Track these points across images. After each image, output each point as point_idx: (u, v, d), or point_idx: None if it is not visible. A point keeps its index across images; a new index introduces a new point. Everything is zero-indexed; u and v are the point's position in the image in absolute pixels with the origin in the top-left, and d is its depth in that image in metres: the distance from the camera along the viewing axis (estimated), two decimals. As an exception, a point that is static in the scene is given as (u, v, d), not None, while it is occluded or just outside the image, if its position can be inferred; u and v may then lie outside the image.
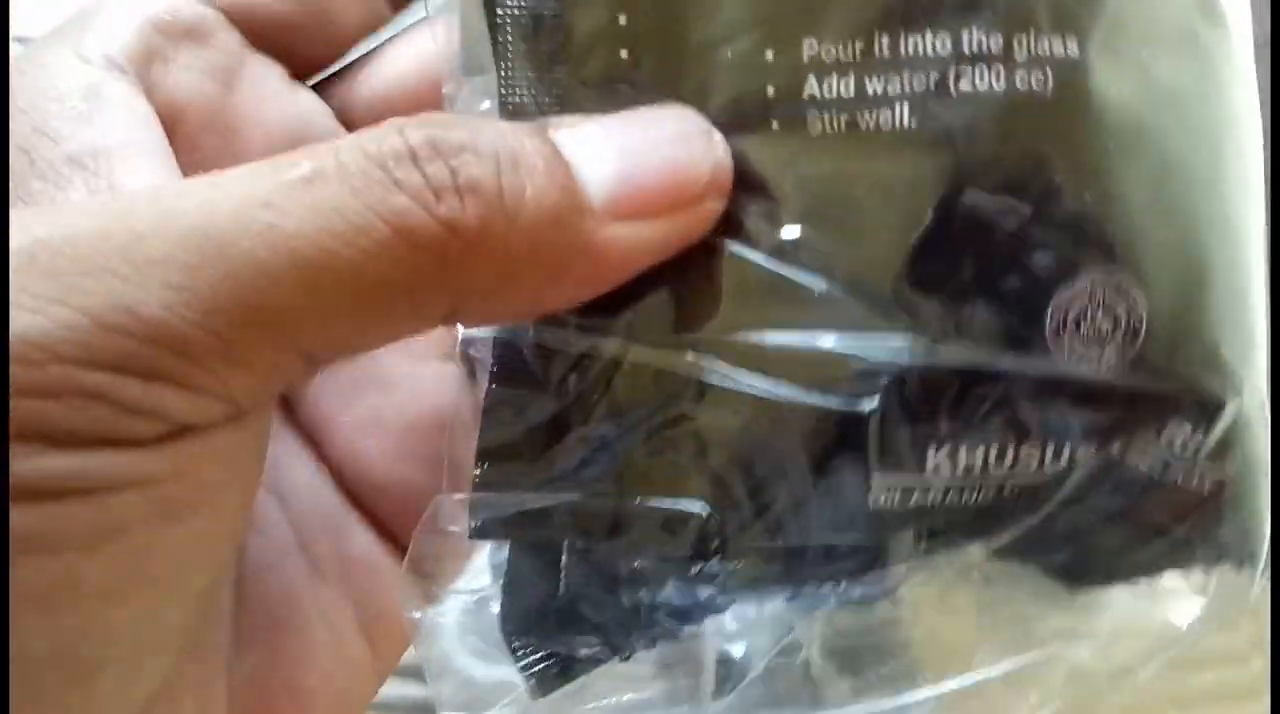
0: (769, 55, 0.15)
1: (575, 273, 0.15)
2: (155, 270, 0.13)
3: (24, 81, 0.17)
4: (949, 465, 0.16)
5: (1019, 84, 0.15)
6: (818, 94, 0.15)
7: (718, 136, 0.16)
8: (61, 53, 0.17)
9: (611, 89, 0.16)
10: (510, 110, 0.16)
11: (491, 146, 0.15)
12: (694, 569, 0.17)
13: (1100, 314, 0.15)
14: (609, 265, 0.15)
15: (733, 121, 0.16)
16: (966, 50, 0.15)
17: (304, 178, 0.14)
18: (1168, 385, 0.16)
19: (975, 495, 0.16)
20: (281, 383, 0.15)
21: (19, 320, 0.13)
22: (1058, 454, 0.16)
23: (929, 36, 0.15)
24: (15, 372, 0.12)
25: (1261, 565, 0.17)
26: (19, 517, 0.12)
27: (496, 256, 0.15)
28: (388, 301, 0.14)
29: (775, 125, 0.16)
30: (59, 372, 0.13)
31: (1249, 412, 0.16)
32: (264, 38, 0.19)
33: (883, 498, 0.16)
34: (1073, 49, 0.15)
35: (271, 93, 0.19)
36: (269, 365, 0.14)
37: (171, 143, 0.17)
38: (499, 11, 0.16)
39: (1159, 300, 0.16)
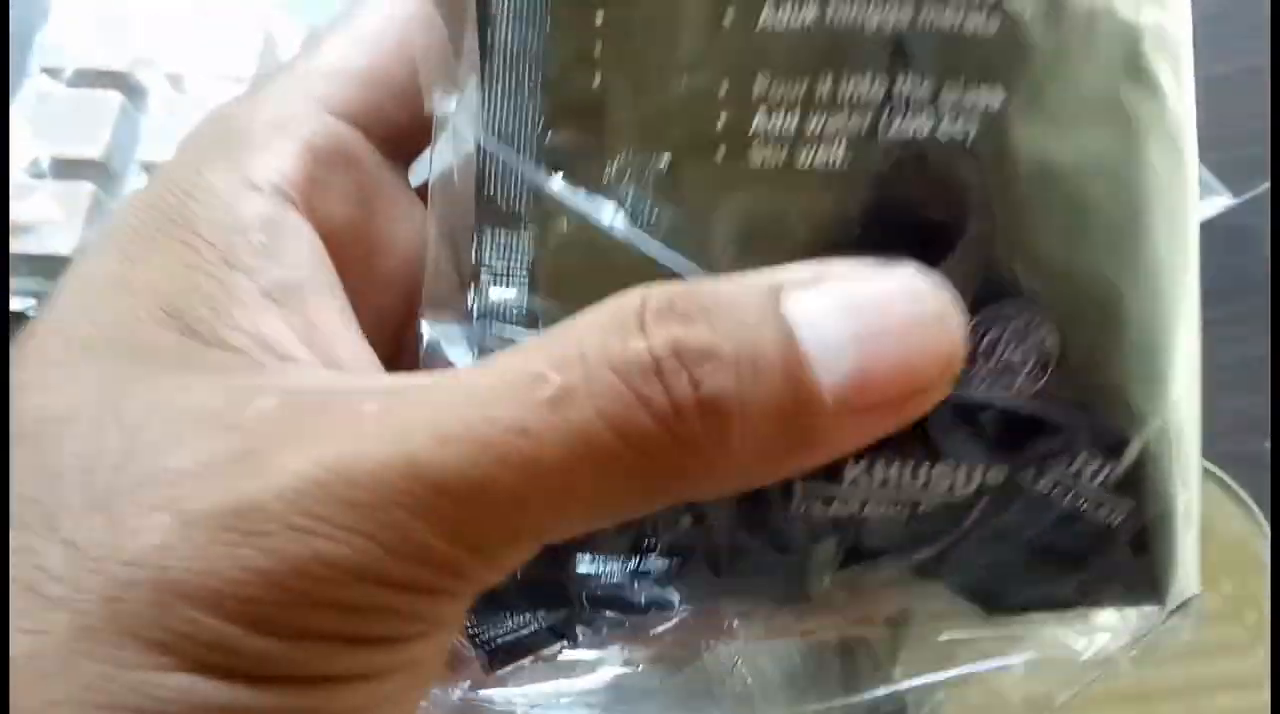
0: (723, 88, 0.16)
1: (792, 461, 0.15)
2: (431, 500, 0.14)
3: (201, 210, 0.17)
4: (866, 478, 0.17)
5: (943, 130, 0.16)
6: (764, 129, 0.16)
7: (955, 319, 0.15)
8: (231, 179, 0.17)
9: (583, 113, 0.17)
10: (494, 136, 0.17)
11: (733, 347, 0.14)
12: (632, 564, 0.18)
13: (1012, 346, 0.16)
14: (828, 453, 0.15)
15: (681, 147, 0.17)
16: (899, 95, 0.16)
17: (554, 399, 0.14)
18: (1074, 419, 0.16)
19: (893, 511, 0.17)
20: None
21: (325, 549, 0.14)
22: (969, 477, 0.16)
23: (867, 80, 0.16)
24: (325, 589, 0.14)
25: (1171, 606, 0.18)
26: (309, 698, 0.14)
27: (724, 457, 0.15)
28: (620, 506, 0.15)
29: (719, 156, 0.16)
30: (360, 591, 0.14)
31: (1156, 450, 0.17)
32: (387, 144, 0.19)
33: (804, 506, 0.17)
34: (996, 101, 0.16)
35: (403, 211, 0.20)
36: (511, 568, 0.15)
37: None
38: (489, 36, 0.17)
39: (1069, 338, 0.16)
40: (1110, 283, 0.17)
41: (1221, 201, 0.45)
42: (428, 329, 0.18)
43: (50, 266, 0.43)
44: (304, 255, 0.17)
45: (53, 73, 0.45)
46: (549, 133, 0.17)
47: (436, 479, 0.14)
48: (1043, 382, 0.16)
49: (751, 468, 0.15)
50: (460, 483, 0.14)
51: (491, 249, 0.17)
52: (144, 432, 0.14)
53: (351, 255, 0.18)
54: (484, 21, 0.17)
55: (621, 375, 0.14)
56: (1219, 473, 0.40)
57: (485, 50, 0.17)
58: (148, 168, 0.45)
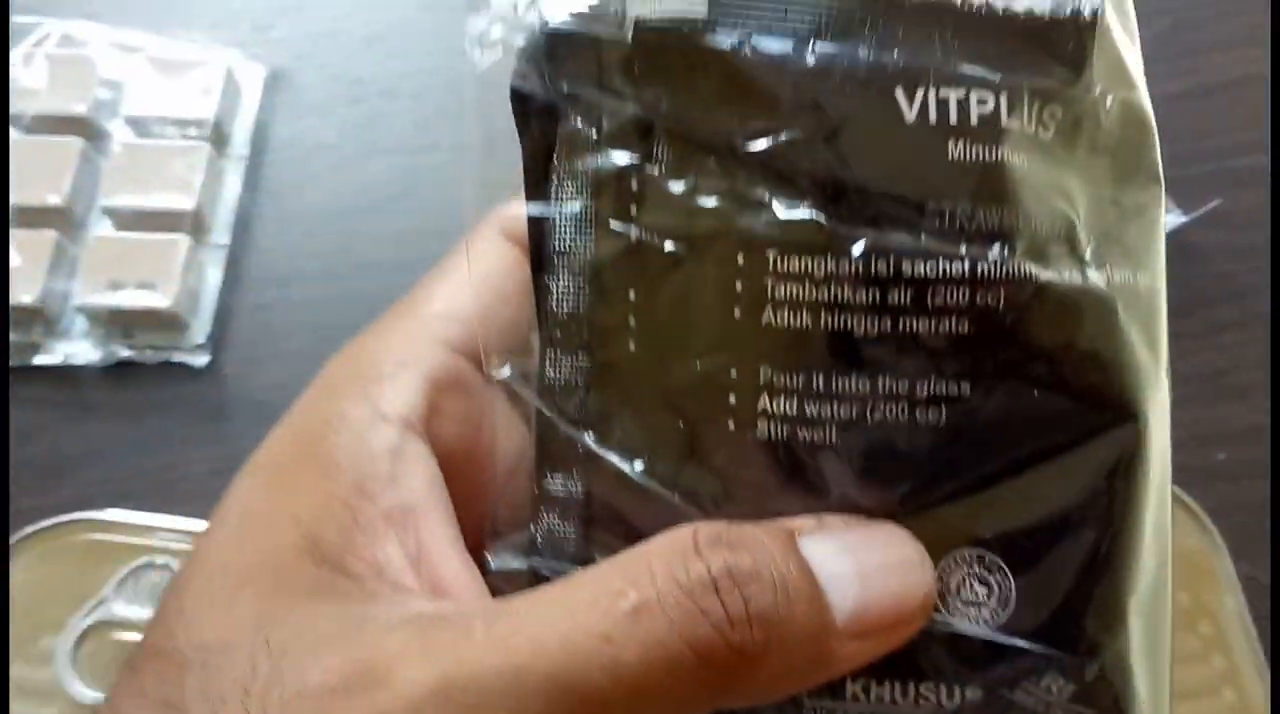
0: (733, 373, 0.19)
1: (811, 676, 0.18)
2: (532, 703, 0.16)
3: (339, 439, 0.20)
4: (864, 695, 0.19)
5: (919, 418, 0.19)
6: (768, 408, 0.19)
7: (928, 561, 0.19)
8: (364, 411, 0.20)
9: (612, 381, 0.20)
10: (546, 395, 0.20)
11: (769, 572, 0.17)
12: None
13: (975, 584, 0.19)
14: (837, 670, 0.18)
15: (697, 418, 0.19)
16: (881, 392, 0.19)
17: (633, 610, 0.17)
18: (1036, 647, 0.19)
19: None
20: None
21: None
22: (950, 693, 0.19)
23: (852, 380, 0.19)
24: None
25: None
26: None
27: (766, 671, 0.17)
28: (680, 708, 0.17)
29: (731, 425, 0.19)
30: None
31: (1109, 670, 0.19)
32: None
33: (811, 712, 0.19)
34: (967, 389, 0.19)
35: (503, 426, 0.22)
36: None
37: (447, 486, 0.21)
38: (545, 304, 0.20)
39: (1023, 579, 0.19)
40: (1059, 536, 0.19)
41: (1173, 219, 0.47)
42: (493, 560, 0.21)
43: (12, 316, 0.43)
44: (423, 480, 0.20)
45: (12, 119, 0.46)
46: (584, 395, 0.20)
47: (536, 684, 0.16)
48: (1006, 615, 0.19)
49: (781, 680, 0.18)
50: (555, 686, 0.16)
51: (547, 496, 0.20)
52: (288, 656, 0.17)
53: (464, 471, 0.21)
54: (540, 291, 0.20)
55: (686, 592, 0.17)
56: (1173, 487, 0.41)
57: (542, 318, 0.20)
58: (110, 213, 0.45)
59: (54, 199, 0.44)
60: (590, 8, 0.19)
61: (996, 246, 0.18)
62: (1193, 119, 0.49)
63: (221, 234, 0.46)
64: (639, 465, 0.19)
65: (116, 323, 0.43)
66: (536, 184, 0.20)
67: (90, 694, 0.37)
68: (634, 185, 0.19)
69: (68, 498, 0.41)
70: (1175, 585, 0.39)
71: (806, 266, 0.18)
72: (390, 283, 0.25)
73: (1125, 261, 0.19)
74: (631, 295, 0.19)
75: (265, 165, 0.48)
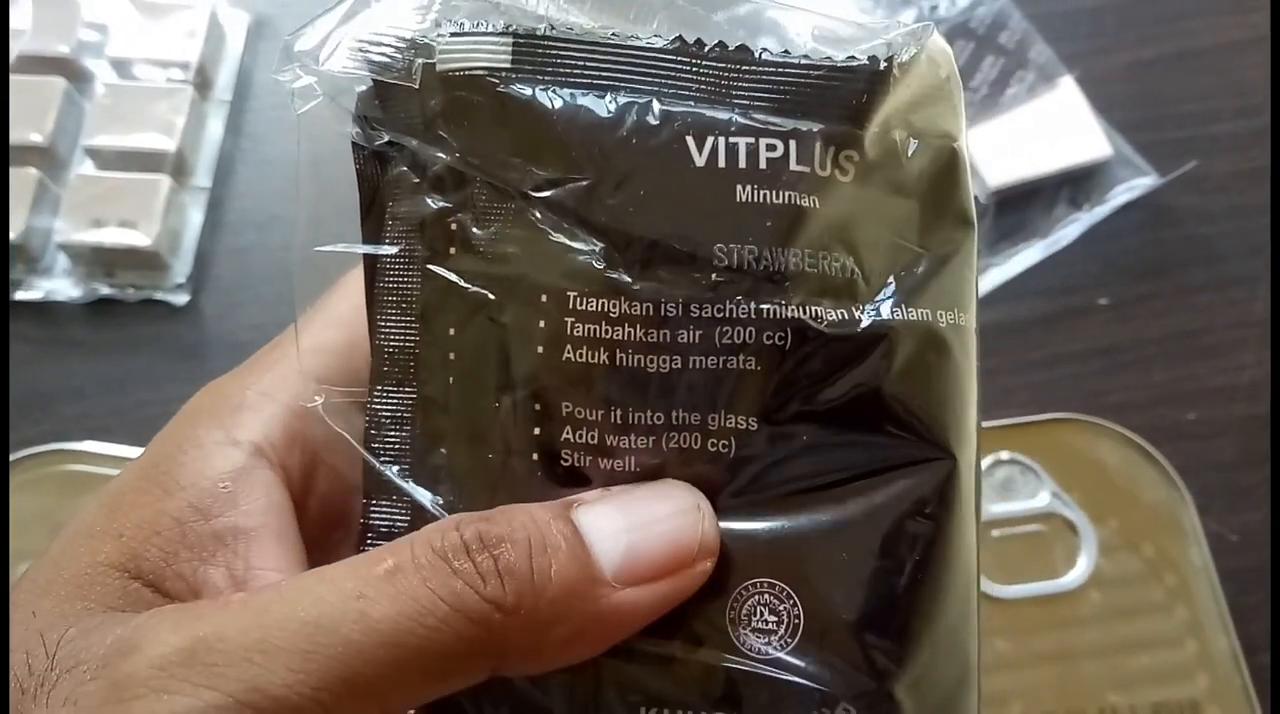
0: (536, 406, 0.20)
1: (592, 631, 0.19)
2: (280, 657, 0.17)
3: (186, 460, 0.20)
4: None
5: (711, 449, 0.20)
6: (570, 439, 0.20)
7: (706, 508, 0.19)
8: (216, 436, 0.20)
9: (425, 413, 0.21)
10: (372, 430, 0.21)
11: (525, 535, 0.18)
12: None
13: (766, 613, 0.19)
14: (619, 623, 0.19)
15: (502, 450, 0.20)
16: (675, 424, 0.19)
17: (388, 571, 0.18)
18: (824, 674, 0.19)
19: None
20: None
21: (180, 702, 0.16)
22: None
23: (649, 413, 0.19)
24: None
25: None
26: None
27: (529, 624, 0.18)
28: (448, 665, 0.18)
29: (535, 457, 0.20)
30: None
31: (901, 697, 0.19)
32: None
33: None
34: (752, 424, 0.20)
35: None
36: None
37: (303, 514, 0.21)
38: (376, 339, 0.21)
39: (812, 609, 0.19)
40: (841, 563, 0.20)
41: (1147, 182, 0.47)
42: None
43: (-5, 251, 0.43)
44: (263, 504, 0.20)
45: (-4, 59, 0.46)
46: (408, 428, 0.21)
47: (286, 640, 0.17)
48: (794, 642, 0.19)
49: (557, 636, 0.18)
50: (306, 640, 0.17)
51: (371, 526, 0.21)
52: (61, 648, 0.17)
53: (332, 503, 0.22)
54: (372, 327, 0.21)
55: (440, 555, 0.18)
56: (1142, 442, 0.41)
57: (373, 353, 0.21)
58: (92, 153, 0.45)
59: (36, 138, 0.44)
60: (379, 57, 0.20)
61: (785, 286, 0.19)
62: (1168, 84, 0.49)
63: (203, 177, 0.46)
64: (439, 499, 0.20)
65: (98, 261, 0.44)
66: (370, 225, 0.21)
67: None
68: (451, 229, 0.20)
69: (47, 432, 0.41)
70: (1142, 538, 0.40)
71: (602, 307, 0.19)
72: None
73: (933, 303, 0.20)
74: (450, 332, 0.20)
75: (248, 110, 0.48)
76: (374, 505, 0.20)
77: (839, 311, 0.19)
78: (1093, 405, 0.43)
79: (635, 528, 0.19)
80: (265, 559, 0.20)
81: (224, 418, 0.21)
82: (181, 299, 0.44)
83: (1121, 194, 0.47)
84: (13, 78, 0.45)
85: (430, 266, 0.20)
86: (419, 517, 0.20)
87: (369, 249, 0.21)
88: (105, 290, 0.44)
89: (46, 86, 0.45)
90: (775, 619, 0.19)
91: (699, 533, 0.19)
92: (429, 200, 0.20)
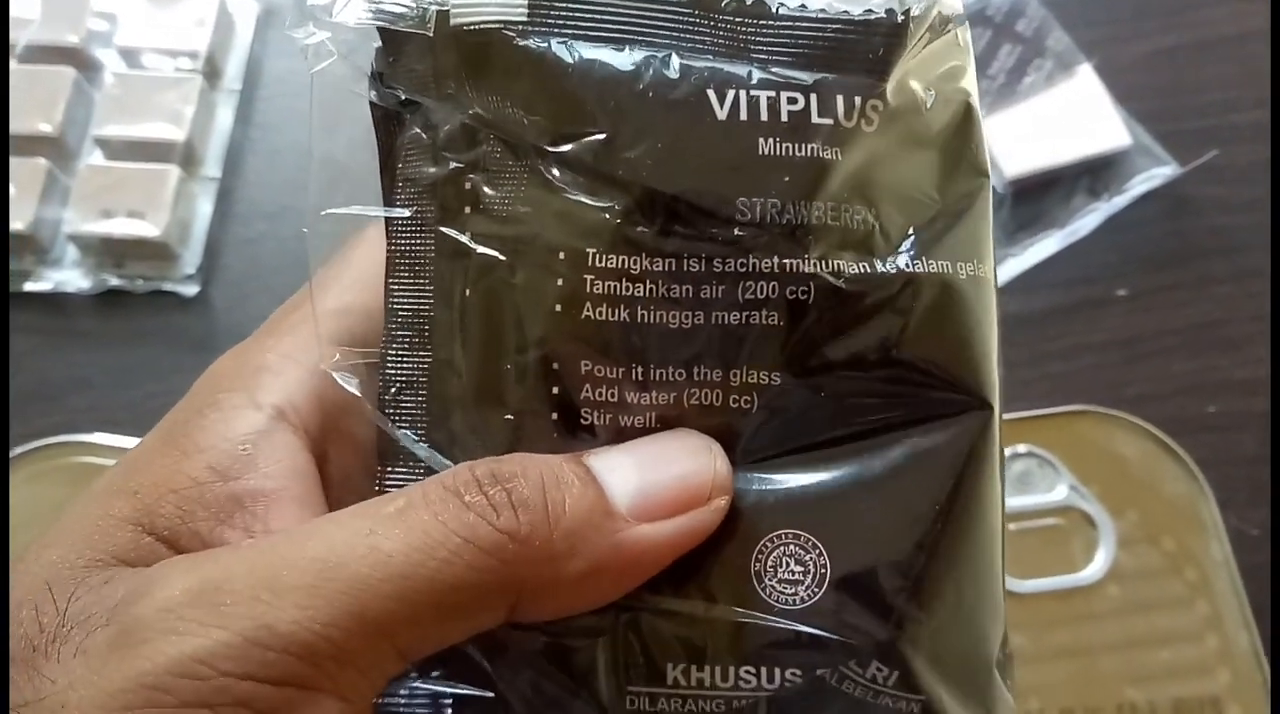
0: (555, 366, 0.19)
1: (610, 567, 0.18)
2: (289, 595, 0.16)
3: (205, 423, 0.20)
4: (684, 679, 0.19)
5: (733, 404, 0.19)
6: (590, 397, 0.19)
7: (717, 449, 0.19)
8: (238, 399, 0.20)
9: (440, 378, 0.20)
10: (386, 394, 0.21)
11: (537, 471, 0.18)
12: None
13: (792, 564, 0.19)
14: (637, 558, 0.18)
15: (521, 409, 0.20)
16: (697, 379, 0.19)
17: (399, 509, 0.17)
18: (849, 625, 0.19)
19: (709, 706, 0.19)
20: (382, 681, 0.18)
21: (189, 643, 0.16)
22: (770, 676, 0.19)
23: (670, 369, 0.19)
24: (188, 685, 0.16)
25: None
26: None
27: (544, 555, 0.18)
28: (462, 601, 0.17)
29: (555, 415, 0.20)
30: (220, 683, 0.16)
31: (926, 657, 0.19)
32: None
33: (632, 700, 0.20)
34: (776, 378, 0.20)
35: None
36: (372, 664, 0.17)
37: (324, 479, 0.20)
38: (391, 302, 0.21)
39: (840, 561, 0.19)
40: (865, 519, 0.19)
41: (1167, 171, 0.46)
42: None
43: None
44: (284, 466, 0.20)
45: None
46: (423, 392, 0.20)
47: (295, 578, 0.16)
48: (820, 594, 0.19)
49: (570, 565, 0.18)
50: (316, 577, 0.16)
51: (385, 491, 0.20)
52: (74, 601, 0.17)
53: (351, 461, 0.21)
54: (387, 290, 0.20)
55: (451, 490, 0.18)
56: (1161, 435, 0.41)
57: (388, 316, 0.20)
58: (102, 143, 0.45)
59: (46, 128, 0.44)
60: (393, 7, 0.19)
61: (807, 240, 0.19)
62: (1189, 73, 0.49)
63: (212, 167, 0.46)
64: (453, 463, 0.20)
65: (107, 252, 0.43)
66: (386, 186, 0.20)
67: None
68: (464, 189, 0.20)
69: (56, 424, 0.41)
70: (1161, 531, 0.39)
71: (622, 263, 0.19)
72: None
73: (952, 254, 0.19)
74: (465, 294, 0.20)
75: (257, 99, 0.48)
76: (389, 470, 0.20)
77: (861, 264, 0.19)
78: (1112, 397, 0.42)
79: (646, 465, 0.19)
80: (285, 521, 0.19)
81: (246, 380, 0.20)
82: (191, 290, 0.44)
83: (1141, 184, 0.46)
84: (22, 68, 0.45)
85: (442, 228, 0.20)
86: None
87: (382, 211, 0.20)
88: (114, 281, 0.44)
89: (56, 76, 0.45)
90: (801, 569, 0.19)
91: (712, 470, 0.19)
92: (441, 160, 0.20)
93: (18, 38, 0.46)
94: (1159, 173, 0.46)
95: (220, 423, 0.20)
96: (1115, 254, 0.45)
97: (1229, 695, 0.38)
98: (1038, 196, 0.46)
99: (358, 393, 0.20)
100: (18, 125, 0.44)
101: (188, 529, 0.19)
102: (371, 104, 0.20)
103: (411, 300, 0.20)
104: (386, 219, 0.20)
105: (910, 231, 0.19)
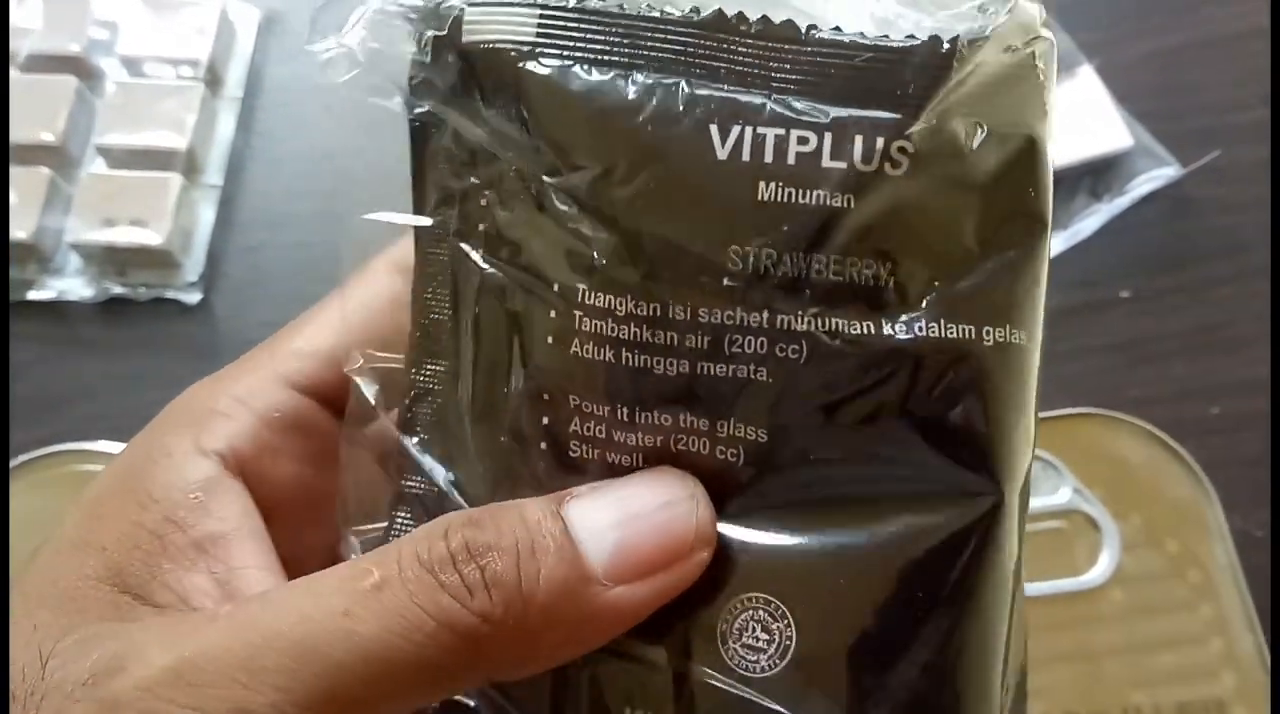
0: (545, 396, 0.19)
1: (585, 633, 0.18)
2: (266, 677, 0.17)
3: (157, 472, 0.20)
4: None
5: (719, 455, 0.19)
6: (579, 431, 0.19)
7: (701, 495, 0.18)
8: (184, 445, 0.21)
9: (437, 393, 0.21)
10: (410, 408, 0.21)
11: (512, 539, 0.18)
12: None
13: (758, 630, 0.18)
14: (612, 622, 0.18)
15: (514, 435, 0.20)
16: (683, 427, 0.18)
17: (374, 586, 0.17)
18: (804, 707, 0.18)
19: None
20: None
21: None
22: None
23: (656, 414, 0.19)
24: None
25: None
26: None
27: (518, 634, 0.18)
28: (436, 679, 0.18)
29: (543, 444, 0.19)
30: None
31: None
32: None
33: None
34: (762, 436, 0.19)
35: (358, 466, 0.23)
36: None
37: (273, 518, 0.21)
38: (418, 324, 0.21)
39: (805, 635, 0.18)
40: (844, 598, 0.18)
41: (1169, 172, 0.46)
42: (355, 541, 0.21)
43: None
44: (234, 510, 0.20)
45: (8, 58, 0.46)
46: (437, 401, 0.21)
47: (273, 660, 0.17)
48: (783, 664, 0.18)
49: (545, 638, 0.18)
50: (292, 660, 0.17)
51: (405, 494, 0.21)
52: (55, 659, 0.18)
53: (298, 506, 0.22)
54: (413, 299, 0.21)
55: (427, 567, 0.17)
56: (1165, 437, 0.41)
57: (412, 324, 0.21)
58: (104, 151, 0.45)
59: (48, 137, 0.44)
60: (408, 21, 0.19)
61: (804, 295, 0.17)
62: (1190, 72, 0.49)
63: (214, 174, 0.46)
64: (451, 476, 0.20)
65: (110, 260, 0.44)
66: (417, 196, 0.20)
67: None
68: (481, 206, 0.19)
69: (60, 432, 0.41)
70: (1165, 534, 0.39)
71: (609, 303, 0.18)
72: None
73: (978, 318, 0.18)
74: (475, 311, 0.20)
75: (259, 107, 0.48)
76: (405, 478, 0.20)
77: (863, 326, 0.18)
78: (1114, 400, 0.42)
79: (625, 522, 0.18)
80: (245, 558, 0.20)
81: (194, 425, 0.21)
82: (193, 298, 0.44)
83: (1143, 185, 0.46)
84: (24, 77, 0.45)
85: (460, 243, 0.20)
86: (435, 494, 0.20)
87: (410, 219, 0.20)
88: (117, 289, 0.44)
89: (57, 85, 0.45)
90: (766, 637, 0.18)
91: (693, 523, 0.18)
92: (462, 175, 0.19)
93: (19, 47, 0.46)
94: (1161, 173, 0.46)
95: (170, 471, 0.20)
96: (1117, 255, 0.45)
97: (1234, 699, 0.38)
98: (1039, 198, 0.46)
99: (371, 401, 0.21)
100: (20, 134, 0.44)
101: (158, 582, 0.19)
102: (408, 115, 0.20)
103: (431, 309, 0.20)
104: (415, 228, 0.20)
105: (933, 289, 0.18)
